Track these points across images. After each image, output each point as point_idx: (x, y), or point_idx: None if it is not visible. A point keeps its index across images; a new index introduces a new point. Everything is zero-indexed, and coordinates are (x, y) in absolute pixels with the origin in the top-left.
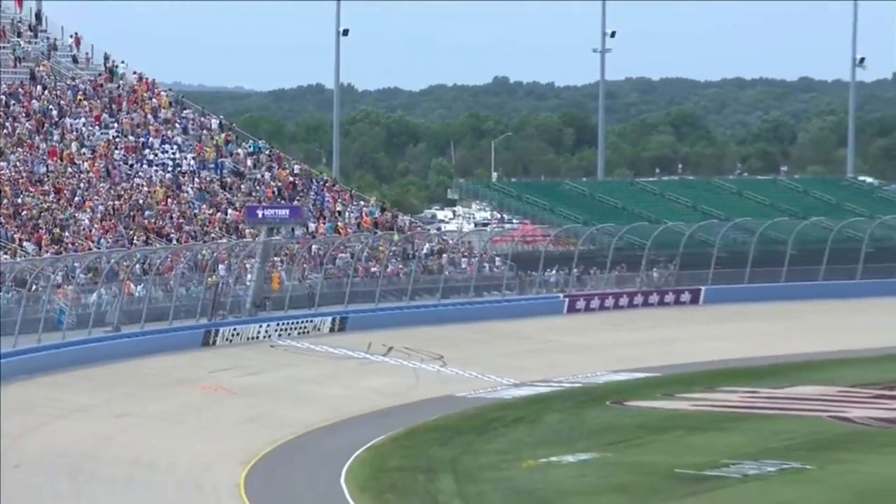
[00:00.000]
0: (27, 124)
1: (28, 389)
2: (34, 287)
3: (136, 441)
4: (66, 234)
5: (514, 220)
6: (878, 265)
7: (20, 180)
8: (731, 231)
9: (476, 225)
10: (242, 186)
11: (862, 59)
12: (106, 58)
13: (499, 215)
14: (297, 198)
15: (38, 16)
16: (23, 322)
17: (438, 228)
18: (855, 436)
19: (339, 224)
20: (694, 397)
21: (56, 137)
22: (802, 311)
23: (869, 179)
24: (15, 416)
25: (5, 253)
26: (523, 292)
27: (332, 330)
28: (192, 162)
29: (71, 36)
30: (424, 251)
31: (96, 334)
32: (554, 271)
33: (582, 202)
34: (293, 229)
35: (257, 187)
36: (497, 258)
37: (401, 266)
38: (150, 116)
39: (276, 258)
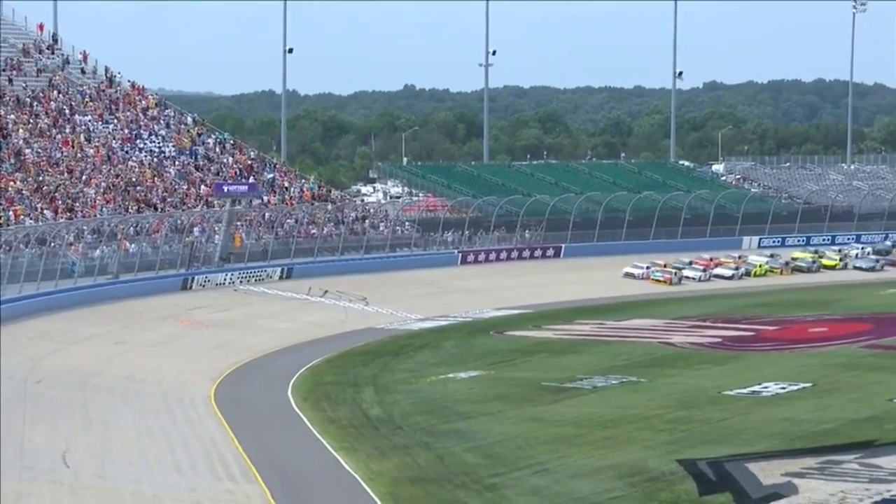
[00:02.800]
0: (47, 120)
1: (47, 323)
2: (52, 245)
3: (130, 362)
4: (77, 204)
5: (420, 194)
6: (694, 227)
7: (41, 163)
8: (584, 202)
9: (390, 198)
10: (212, 168)
11: (681, 73)
12: (106, 69)
13: (408, 190)
14: (254, 176)
15: (55, 37)
16: (43, 272)
17: (362, 200)
18: (678, 356)
19: (286, 197)
20: (556, 328)
21: (69, 130)
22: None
23: (686, 163)
24: (37, 343)
25: (30, 219)
26: (427, 248)
27: (281, 277)
28: (173, 149)
29: (80, 53)
30: (352, 217)
31: (100, 280)
32: (450, 233)
33: (472, 180)
34: (251, 201)
35: (223, 169)
36: (407, 223)
37: (333, 228)
38: (140, 114)
39: (238, 223)
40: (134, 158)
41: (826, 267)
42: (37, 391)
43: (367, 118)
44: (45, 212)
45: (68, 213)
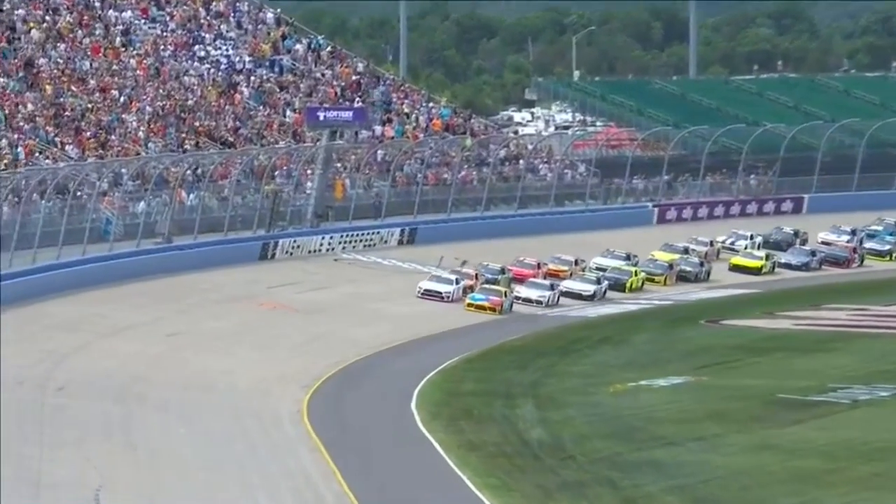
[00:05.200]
0: (68, 17)
1: (72, 305)
2: (78, 195)
3: (188, 363)
4: (112, 137)
5: (598, 123)
6: None
7: (62, 78)
8: (837, 133)
9: (556, 128)
10: (302, 86)
11: None
12: None
13: (581, 117)
14: (362, 98)
15: None
16: (66, 233)
17: (515, 132)
18: None
19: (408, 127)
20: (797, 315)
21: (100, 32)
22: None
23: None
24: (58, 335)
25: (46, 157)
26: (608, 202)
27: (400, 242)
28: (248, 59)
29: None
30: (500, 157)
31: (145, 246)
32: (642, 179)
33: (672, 103)
34: (357, 133)
35: (318, 87)
36: (579, 164)
37: (474, 173)
38: (201, 9)
39: (338, 164)
40: (192, 72)
41: None
42: (58, 403)
43: (521, 15)
44: (67, 148)
45: (100, 151)
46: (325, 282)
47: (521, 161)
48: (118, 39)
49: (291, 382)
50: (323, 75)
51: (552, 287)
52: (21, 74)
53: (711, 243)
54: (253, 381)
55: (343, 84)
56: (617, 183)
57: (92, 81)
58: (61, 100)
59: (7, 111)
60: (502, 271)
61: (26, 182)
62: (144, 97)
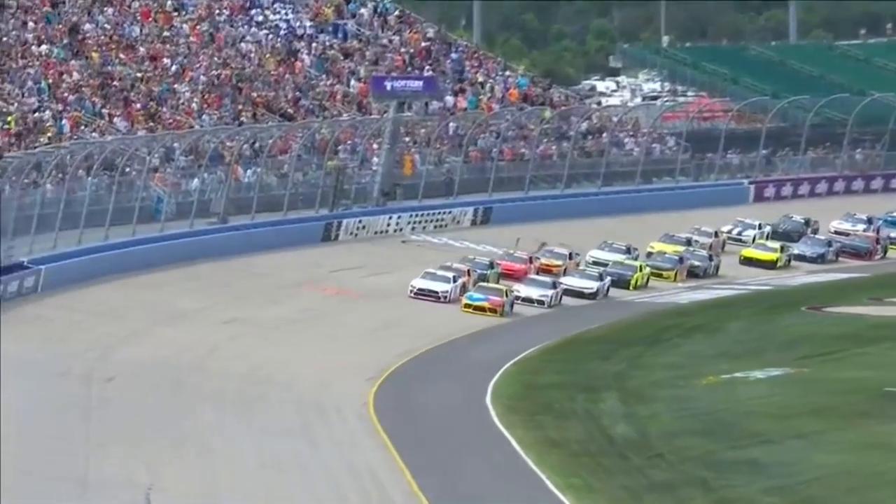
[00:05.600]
0: None
1: (121, 290)
2: (127, 171)
3: (247, 352)
4: (163, 108)
5: (689, 93)
6: None
7: (109, 45)
8: None
9: (643, 98)
10: (367, 53)
11: None
12: None
13: (670, 87)
14: (433, 67)
15: None
16: (114, 212)
17: (599, 103)
18: None
19: (482, 98)
20: None
21: None
22: None
23: None
24: (107, 322)
25: (92, 131)
26: (700, 178)
27: (473, 223)
28: (309, 25)
29: None
30: (582, 130)
31: (199, 226)
32: (737, 153)
33: (770, 70)
34: (427, 104)
35: (385, 54)
36: (669, 138)
37: (554, 147)
38: None
39: (407, 138)
40: (249, 38)
41: None
42: (106, 396)
43: None
44: (115, 120)
45: (150, 123)
46: (392, 265)
47: (604, 134)
48: (169, 3)
49: (356, 373)
50: (390, 41)
51: (555, 285)
52: (66, 41)
53: (716, 234)
54: (315, 371)
55: (412, 51)
56: (710, 158)
57: (142, 49)
58: (109, 68)
59: (51, 81)
60: (491, 266)
61: (71, 157)
62: (198, 66)
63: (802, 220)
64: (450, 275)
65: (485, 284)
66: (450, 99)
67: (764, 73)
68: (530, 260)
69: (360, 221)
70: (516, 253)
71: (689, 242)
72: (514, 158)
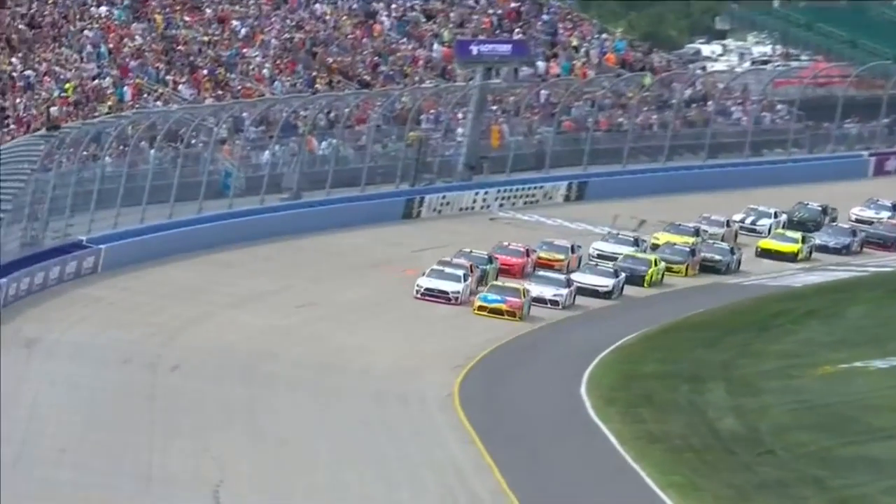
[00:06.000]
0: None
1: (188, 271)
2: (193, 143)
3: (322, 338)
4: (232, 75)
5: (803, 57)
6: None
7: (174, 7)
8: None
9: (753, 63)
10: (452, 15)
11: None
12: None
13: (783, 50)
14: (523, 30)
15: None
16: (179, 187)
17: (703, 68)
18: None
19: (576, 63)
20: None
21: None
22: None
23: None
24: (172, 305)
25: (156, 99)
26: (815, 150)
27: (567, 198)
28: None
29: None
30: (685, 97)
31: (270, 203)
32: (856, 122)
33: (893, 32)
34: (516, 70)
35: (471, 16)
36: (781, 106)
37: (654, 117)
38: None
39: (494, 107)
40: (324, 0)
41: None
42: (172, 384)
43: None
44: (180, 88)
45: (218, 91)
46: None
47: (710, 103)
48: None
49: (440, 362)
50: (477, 2)
51: (569, 283)
52: (127, 2)
53: (728, 223)
54: (395, 359)
55: (500, 12)
56: (826, 128)
57: (209, 10)
58: (173, 32)
59: (111, 45)
60: (490, 260)
61: (133, 128)
62: (269, 29)
63: (819, 208)
64: (460, 272)
65: (499, 283)
66: (541, 64)
67: (886, 35)
68: (527, 253)
69: (443, 197)
70: (510, 245)
71: (697, 233)
72: (611, 129)
